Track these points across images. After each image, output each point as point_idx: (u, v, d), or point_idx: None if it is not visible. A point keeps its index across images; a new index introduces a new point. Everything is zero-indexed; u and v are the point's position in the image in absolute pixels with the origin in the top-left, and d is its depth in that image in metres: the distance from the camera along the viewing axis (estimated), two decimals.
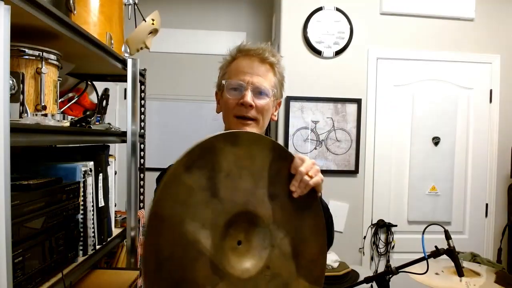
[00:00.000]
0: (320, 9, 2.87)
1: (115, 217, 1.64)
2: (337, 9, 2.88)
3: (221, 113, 1.16)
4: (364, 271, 2.71)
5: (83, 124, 1.24)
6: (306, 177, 0.86)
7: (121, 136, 1.60)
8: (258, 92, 1.07)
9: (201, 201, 0.82)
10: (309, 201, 0.97)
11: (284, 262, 0.93)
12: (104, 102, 1.58)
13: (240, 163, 0.88)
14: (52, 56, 1.12)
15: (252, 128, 1.08)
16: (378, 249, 2.95)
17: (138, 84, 1.66)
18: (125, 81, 1.60)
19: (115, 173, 1.63)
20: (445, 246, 1.30)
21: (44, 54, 1.08)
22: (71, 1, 1.19)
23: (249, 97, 1.05)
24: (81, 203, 1.24)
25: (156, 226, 0.77)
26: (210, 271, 0.82)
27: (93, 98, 1.73)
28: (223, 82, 1.09)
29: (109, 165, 1.51)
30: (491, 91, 3.02)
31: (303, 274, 0.96)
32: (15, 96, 0.97)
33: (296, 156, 0.90)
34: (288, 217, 0.94)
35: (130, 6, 1.64)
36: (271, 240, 0.91)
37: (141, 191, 1.89)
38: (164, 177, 0.77)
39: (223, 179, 0.85)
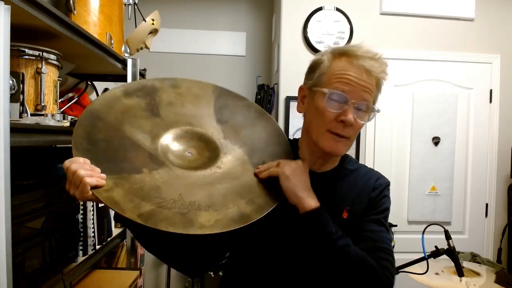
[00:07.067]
0: (320, 9, 2.86)
1: None
2: (337, 9, 2.88)
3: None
4: None
5: None
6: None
7: None
8: (360, 110, 0.97)
9: (140, 116, 0.93)
10: (263, 118, 1.13)
11: (236, 163, 0.97)
12: None
13: (181, 98, 1.01)
14: (52, 56, 1.12)
15: (344, 146, 1.01)
16: None
17: None
18: (125, 81, 1.60)
19: None
20: (445, 246, 1.31)
21: (44, 54, 1.08)
22: (71, 1, 1.19)
23: (351, 115, 0.95)
24: (81, 203, 1.24)
25: (92, 119, 0.87)
26: (148, 159, 0.88)
27: (93, 98, 1.73)
28: (325, 90, 0.97)
29: None
30: (491, 91, 3.02)
31: (254, 166, 0.99)
32: (15, 96, 0.97)
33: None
34: (241, 133, 1.03)
35: (130, 6, 1.64)
36: (223, 150, 0.98)
37: None
38: (104, 93, 0.88)
39: (165, 106, 0.97)
